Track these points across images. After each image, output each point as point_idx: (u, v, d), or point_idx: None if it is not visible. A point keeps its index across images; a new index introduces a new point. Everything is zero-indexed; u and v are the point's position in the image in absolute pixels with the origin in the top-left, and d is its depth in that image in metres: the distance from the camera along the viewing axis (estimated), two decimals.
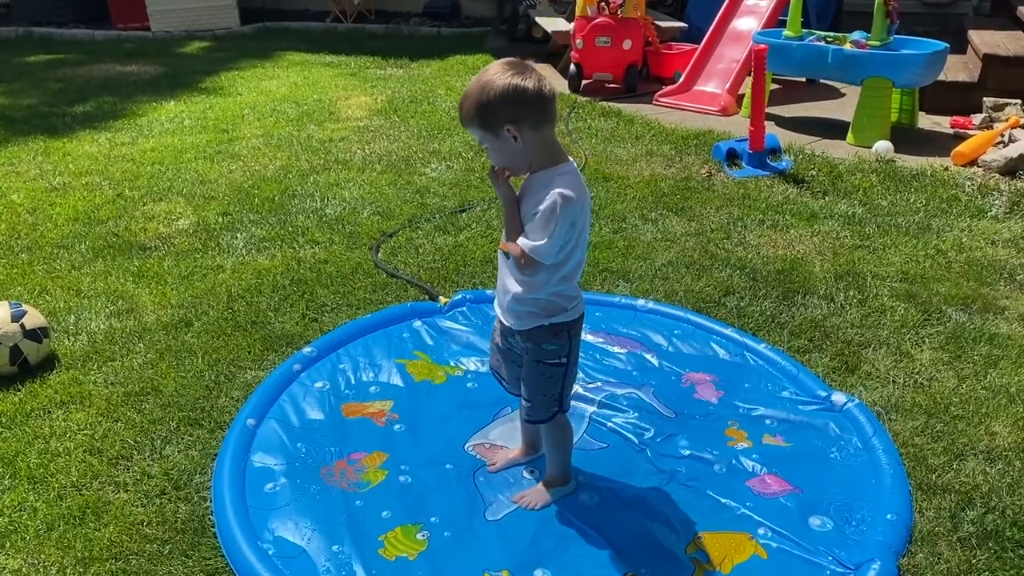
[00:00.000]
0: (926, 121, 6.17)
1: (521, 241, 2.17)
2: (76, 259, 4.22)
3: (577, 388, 3.09)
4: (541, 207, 2.12)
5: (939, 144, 5.68)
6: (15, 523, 2.51)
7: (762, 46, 5.36)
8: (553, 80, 7.43)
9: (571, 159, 2.25)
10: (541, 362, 2.37)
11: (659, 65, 7.50)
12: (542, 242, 2.13)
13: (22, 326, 3.21)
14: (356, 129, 6.26)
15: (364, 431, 2.91)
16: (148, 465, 2.75)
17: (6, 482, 2.67)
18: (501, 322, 2.43)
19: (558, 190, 2.12)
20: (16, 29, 10.41)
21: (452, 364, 3.30)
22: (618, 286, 3.88)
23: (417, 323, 3.57)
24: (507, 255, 2.25)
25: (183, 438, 2.87)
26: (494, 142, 2.16)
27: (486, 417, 2.97)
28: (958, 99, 6.25)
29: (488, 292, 3.72)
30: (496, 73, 2.09)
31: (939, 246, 4.22)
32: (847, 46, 5.76)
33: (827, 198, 4.84)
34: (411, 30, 10.29)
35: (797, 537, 2.43)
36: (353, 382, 3.18)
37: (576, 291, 2.34)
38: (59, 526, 2.49)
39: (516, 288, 2.29)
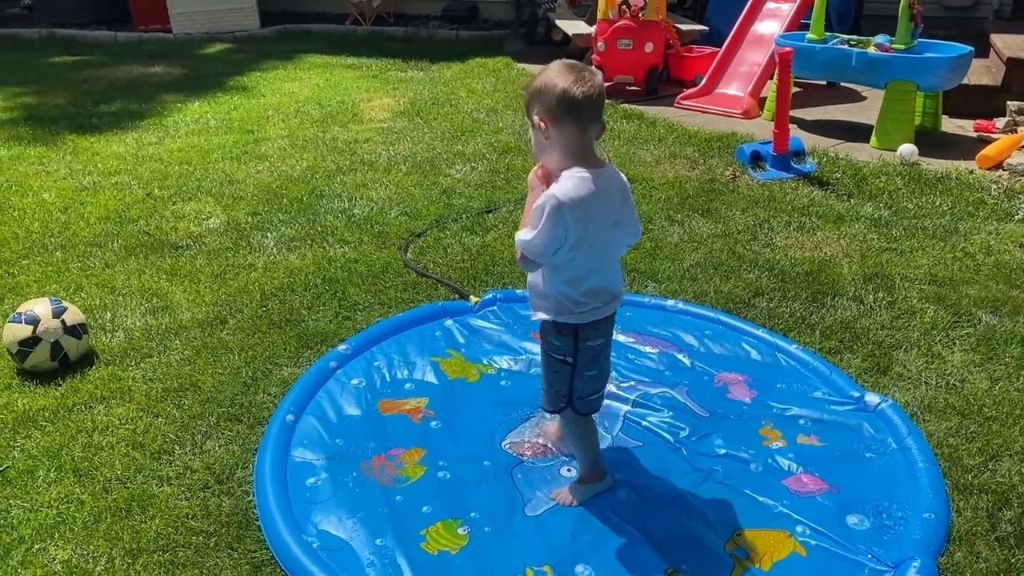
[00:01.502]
0: (949, 124, 6.17)
1: (518, 233, 2.28)
2: (109, 257, 4.27)
3: (610, 387, 3.13)
4: (537, 203, 2.21)
5: (963, 147, 5.68)
6: (63, 515, 2.55)
7: (787, 49, 5.37)
8: None
9: (596, 167, 2.25)
10: (549, 355, 2.47)
11: (679, 68, 7.52)
12: (528, 237, 2.22)
13: (63, 322, 3.26)
14: (380, 130, 6.30)
15: (401, 427, 2.95)
16: (190, 459, 2.79)
17: (52, 475, 2.72)
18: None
19: (553, 190, 2.19)
20: (39, 31, 10.50)
21: (485, 362, 3.33)
22: (647, 286, 3.90)
23: (449, 322, 3.60)
24: None
25: (223, 433, 2.91)
26: (531, 130, 2.28)
27: (522, 415, 3.00)
28: (981, 103, 6.25)
29: (518, 292, 3.75)
30: (548, 68, 2.21)
31: (967, 249, 4.23)
32: (871, 49, 5.77)
33: (852, 200, 4.85)
34: (430, 33, 10.33)
35: (835, 535, 2.45)
36: (388, 379, 3.22)
37: (587, 298, 2.33)
38: (106, 518, 2.53)
39: (532, 280, 2.40)
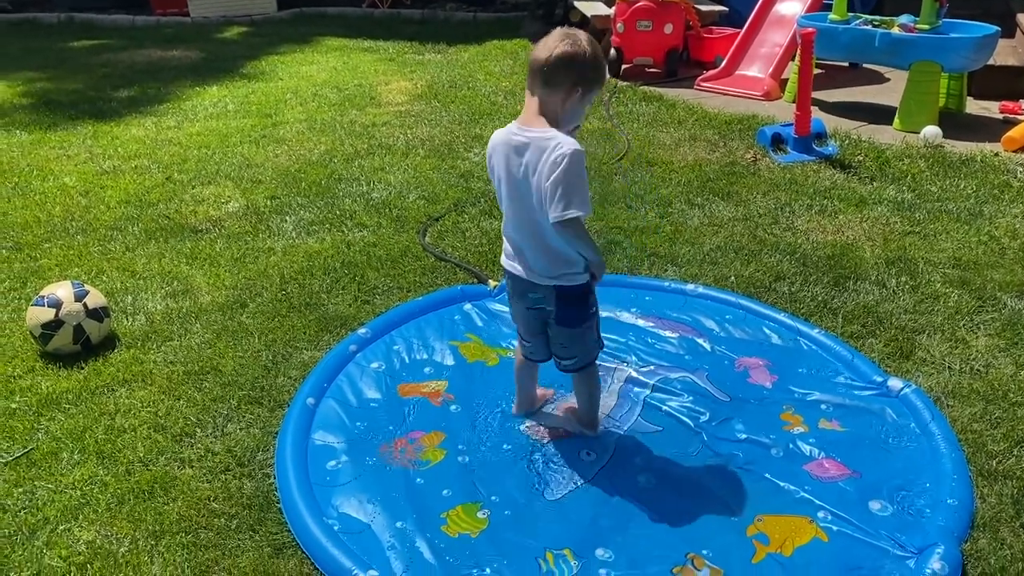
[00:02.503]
0: (974, 106, 6.08)
1: (567, 212, 2.35)
2: (130, 241, 4.29)
3: (631, 372, 3.12)
4: (560, 168, 2.33)
5: (989, 129, 5.59)
6: (87, 496, 2.57)
7: (809, 29, 5.30)
8: None
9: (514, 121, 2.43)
10: (583, 317, 2.64)
11: (699, 49, 7.45)
12: (579, 198, 2.35)
13: (84, 305, 3.28)
14: (397, 114, 6.29)
15: (421, 410, 2.95)
16: (211, 442, 2.80)
17: (76, 457, 2.74)
18: None
19: (565, 145, 2.32)
20: (58, 15, 10.54)
21: (504, 346, 3.33)
22: (667, 271, 3.88)
23: (468, 306, 3.59)
24: None
25: (244, 416, 2.93)
26: (563, 101, 2.38)
27: None
28: (1007, 83, 6.15)
29: None
30: (561, 37, 2.33)
31: (992, 232, 4.17)
32: (895, 30, 5.68)
33: (875, 184, 4.79)
34: (447, 15, 10.28)
35: (858, 520, 2.43)
36: (408, 363, 3.22)
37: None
38: (129, 500, 2.56)
39: (558, 248, 2.48)
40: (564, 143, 2.28)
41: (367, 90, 6.95)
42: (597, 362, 2.72)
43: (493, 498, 2.55)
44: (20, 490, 2.60)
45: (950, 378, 3.08)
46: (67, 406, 3.00)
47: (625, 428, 2.84)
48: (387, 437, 2.81)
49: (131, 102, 6.80)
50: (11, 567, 2.32)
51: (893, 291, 3.66)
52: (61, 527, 2.45)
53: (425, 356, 3.26)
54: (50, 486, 2.61)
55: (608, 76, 2.42)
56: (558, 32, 2.33)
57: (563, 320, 2.57)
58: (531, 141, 2.33)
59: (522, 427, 2.86)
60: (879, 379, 3.03)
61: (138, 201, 4.78)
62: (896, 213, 4.42)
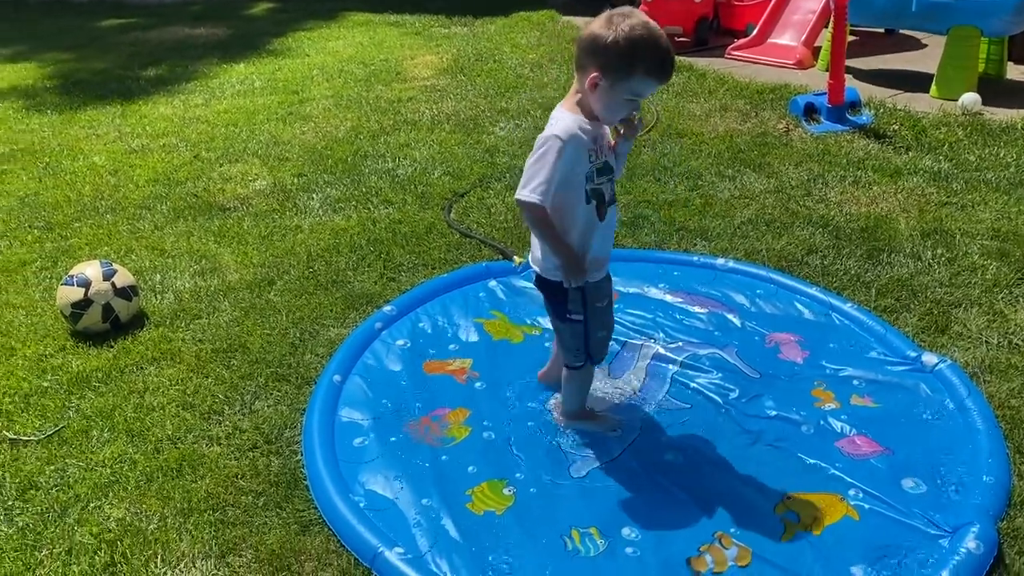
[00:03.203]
0: (1015, 72, 5.90)
1: None
2: (158, 219, 4.32)
3: (658, 348, 3.09)
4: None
5: None
6: (116, 474, 2.60)
7: None
8: None
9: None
10: None
11: (730, 17, 7.30)
12: None
13: (113, 284, 3.30)
14: (423, 89, 6.25)
15: (446, 388, 2.94)
16: (239, 420, 2.82)
17: (106, 435, 2.77)
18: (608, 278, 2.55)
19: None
20: None
21: (529, 324, 3.30)
22: (696, 245, 3.82)
23: (492, 283, 3.57)
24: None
25: (271, 393, 2.94)
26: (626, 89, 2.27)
27: None
28: None
29: None
30: (621, 18, 2.19)
31: None
32: None
33: (911, 153, 4.67)
34: None
35: (890, 499, 2.39)
36: (433, 340, 3.21)
37: None
38: (158, 478, 2.58)
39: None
40: (553, 126, 2.24)
41: (393, 65, 6.91)
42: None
43: (518, 475, 2.54)
44: (52, 468, 2.63)
45: (987, 352, 3.00)
46: (97, 384, 3.03)
47: (652, 405, 2.80)
48: (413, 414, 2.81)
49: (159, 80, 6.83)
50: (44, 543, 2.36)
51: (928, 264, 3.57)
52: (92, 504, 2.48)
53: (450, 333, 3.24)
54: (81, 464, 2.65)
55: (662, 78, 2.23)
56: (610, 11, 2.19)
57: (547, 307, 2.61)
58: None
59: (548, 404, 2.84)
60: (913, 354, 2.96)
61: (166, 180, 4.81)
62: (932, 183, 4.30)
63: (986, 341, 3.07)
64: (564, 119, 2.26)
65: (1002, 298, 3.31)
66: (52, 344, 3.29)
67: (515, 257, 3.71)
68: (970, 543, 2.17)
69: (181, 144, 5.34)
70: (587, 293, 2.44)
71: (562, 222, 2.32)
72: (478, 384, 2.96)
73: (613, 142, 2.39)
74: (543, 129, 2.29)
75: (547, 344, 3.16)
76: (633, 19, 2.16)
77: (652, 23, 2.17)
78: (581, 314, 2.47)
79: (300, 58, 7.30)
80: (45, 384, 3.04)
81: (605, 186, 2.35)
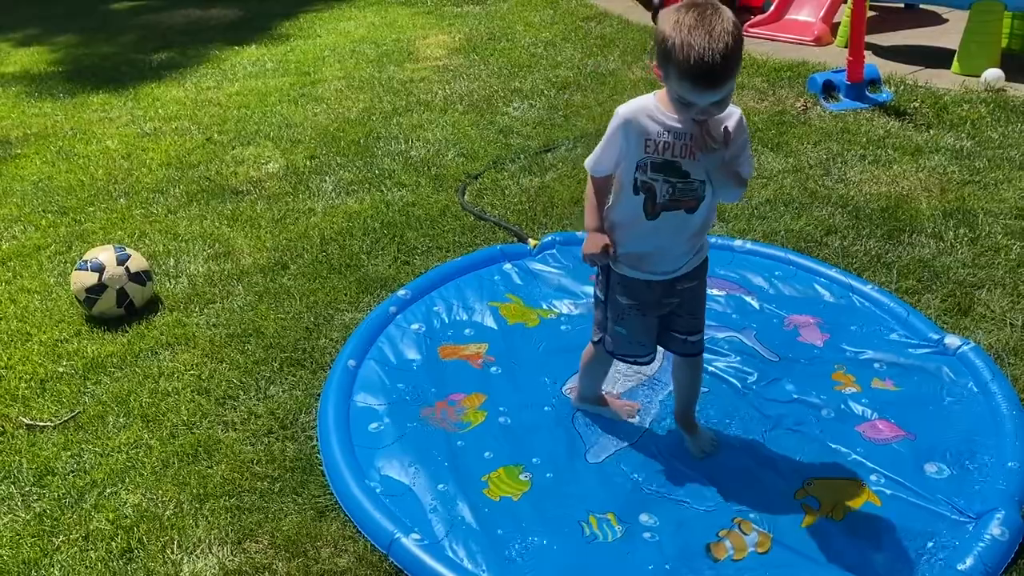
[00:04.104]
0: None
1: (744, 170, 2.18)
2: (172, 203, 4.30)
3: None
4: (744, 137, 2.14)
5: None
6: (132, 459, 2.60)
7: None
8: (634, 12, 7.21)
9: None
10: (705, 280, 2.45)
11: None
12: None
13: (127, 269, 3.30)
14: (436, 69, 6.19)
15: (462, 373, 2.92)
16: (254, 405, 2.81)
17: (121, 420, 2.77)
18: (665, 281, 2.33)
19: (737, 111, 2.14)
20: None
21: (545, 307, 3.27)
22: (714, 226, 3.76)
23: (507, 266, 3.54)
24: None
25: (286, 378, 2.93)
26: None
27: None
28: None
29: (578, 234, 3.65)
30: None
31: None
32: None
33: (932, 131, 4.59)
34: None
35: (912, 484, 2.36)
36: (448, 324, 3.18)
37: None
38: (174, 463, 2.58)
39: (698, 233, 2.30)
40: (628, 102, 2.19)
41: (405, 45, 6.85)
42: None
43: (535, 460, 2.52)
44: (68, 453, 2.64)
45: (1011, 335, 2.95)
46: (112, 369, 3.03)
47: (670, 389, 2.77)
48: (428, 399, 2.79)
49: (171, 63, 6.80)
50: (61, 529, 2.36)
51: (951, 244, 3.51)
52: (108, 490, 2.49)
53: (465, 317, 3.22)
54: (97, 449, 2.65)
55: (697, 85, 1.95)
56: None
57: None
58: None
59: (564, 389, 2.81)
60: (935, 336, 2.92)
61: (179, 163, 4.79)
62: (954, 162, 4.23)
63: (1010, 323, 3.01)
64: (639, 99, 2.17)
65: None
66: (67, 329, 3.29)
67: (530, 240, 3.67)
68: (995, 529, 2.14)
69: (193, 127, 5.32)
70: (611, 279, 2.35)
71: (614, 197, 2.29)
72: (494, 368, 2.94)
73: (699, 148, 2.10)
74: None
75: (563, 327, 3.14)
76: (688, 14, 1.94)
77: (712, 20, 1.92)
78: (603, 294, 2.41)
79: (311, 39, 7.24)
80: (60, 369, 3.04)
81: (660, 185, 2.14)
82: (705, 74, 1.92)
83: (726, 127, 2.08)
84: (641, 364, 2.51)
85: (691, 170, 2.13)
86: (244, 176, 4.56)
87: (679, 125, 2.10)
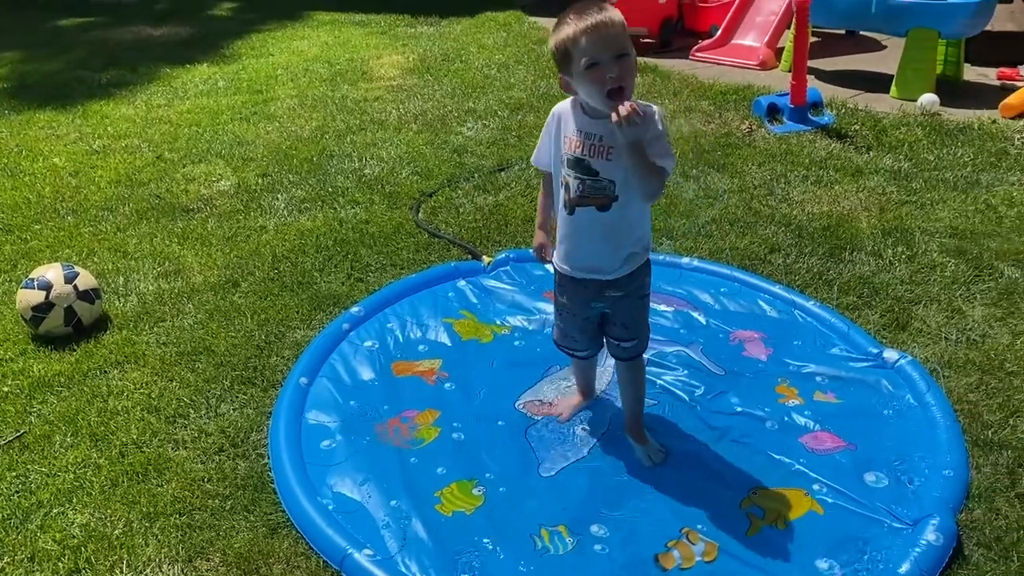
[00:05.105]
0: (971, 73, 6.02)
1: (664, 163, 2.21)
2: (121, 221, 4.26)
3: None
4: (656, 126, 2.19)
5: (986, 96, 5.53)
6: (80, 479, 2.57)
7: None
8: None
9: None
10: (644, 296, 2.51)
11: (694, 19, 7.36)
12: (670, 154, 2.25)
13: (75, 287, 3.26)
14: (390, 88, 6.23)
15: (415, 389, 2.94)
16: (205, 423, 2.79)
17: (69, 440, 2.73)
18: (591, 284, 2.44)
19: (648, 107, 2.21)
20: None
21: (499, 323, 3.31)
22: (661, 244, 3.85)
23: (462, 283, 3.57)
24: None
25: (237, 396, 2.92)
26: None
27: (536, 375, 2.98)
28: (1005, 50, 6.07)
29: (532, 252, 3.70)
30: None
31: (989, 201, 4.14)
32: None
33: (871, 153, 4.75)
34: None
35: (853, 493, 2.43)
36: (401, 341, 3.20)
37: None
38: (123, 482, 2.55)
39: (627, 237, 2.36)
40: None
41: (359, 64, 6.88)
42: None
43: (488, 475, 2.55)
44: (13, 474, 2.59)
45: (946, 348, 3.07)
46: (59, 389, 2.98)
47: (619, 403, 2.82)
48: (381, 416, 2.80)
49: (120, 80, 6.72)
50: (5, 550, 2.32)
51: (889, 262, 3.64)
52: (55, 510, 2.45)
53: (419, 334, 3.24)
54: (43, 469, 2.61)
55: (597, 32, 2.15)
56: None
57: None
58: None
59: (517, 404, 2.85)
60: (875, 350, 3.02)
61: (129, 181, 4.74)
62: (892, 183, 4.38)
63: (945, 337, 3.13)
64: (568, 99, 2.36)
65: (960, 295, 3.38)
66: (12, 348, 3.23)
67: (484, 257, 3.71)
68: (930, 535, 2.22)
69: (143, 145, 5.27)
70: (556, 275, 2.54)
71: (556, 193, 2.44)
72: (447, 385, 2.96)
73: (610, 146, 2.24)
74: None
75: (517, 343, 3.18)
76: (569, 13, 2.20)
77: (592, 7, 2.18)
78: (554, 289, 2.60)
79: (264, 58, 7.23)
80: (5, 389, 2.99)
81: (573, 180, 2.32)
82: (596, 24, 2.14)
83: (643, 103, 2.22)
84: (579, 358, 2.70)
85: (600, 169, 2.29)
86: (195, 194, 4.53)
87: (590, 128, 2.28)
